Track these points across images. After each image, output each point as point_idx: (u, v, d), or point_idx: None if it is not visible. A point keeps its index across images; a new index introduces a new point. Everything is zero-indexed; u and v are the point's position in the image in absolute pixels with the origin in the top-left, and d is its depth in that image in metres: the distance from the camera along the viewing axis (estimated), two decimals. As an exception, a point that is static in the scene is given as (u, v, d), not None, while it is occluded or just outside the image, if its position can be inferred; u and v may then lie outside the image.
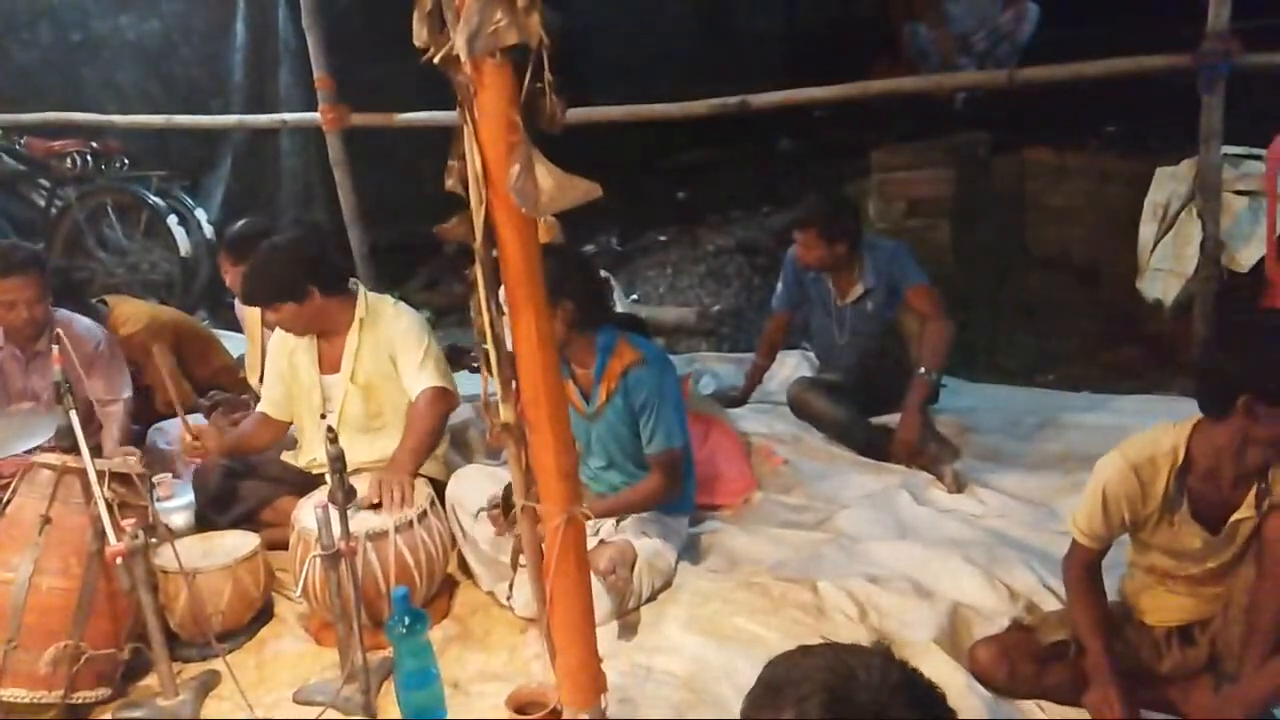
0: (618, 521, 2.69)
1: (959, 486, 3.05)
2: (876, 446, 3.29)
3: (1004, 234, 4.72)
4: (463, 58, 1.47)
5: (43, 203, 5.15)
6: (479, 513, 2.62)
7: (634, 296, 5.15)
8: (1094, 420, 3.35)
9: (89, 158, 5.03)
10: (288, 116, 4.84)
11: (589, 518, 1.84)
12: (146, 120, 5.08)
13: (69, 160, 5.04)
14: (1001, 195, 4.73)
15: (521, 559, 2.00)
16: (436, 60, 1.52)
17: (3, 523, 2.35)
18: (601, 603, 2.32)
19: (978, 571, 2.51)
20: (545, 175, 1.51)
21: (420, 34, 1.51)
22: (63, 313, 3.28)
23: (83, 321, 3.31)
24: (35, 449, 2.52)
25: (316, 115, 4.50)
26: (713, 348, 4.60)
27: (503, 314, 1.76)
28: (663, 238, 5.73)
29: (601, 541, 2.59)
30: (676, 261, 5.44)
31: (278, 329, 3.01)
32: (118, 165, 5.08)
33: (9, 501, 2.38)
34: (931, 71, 5.28)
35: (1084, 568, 2.09)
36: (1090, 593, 2.09)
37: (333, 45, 4.41)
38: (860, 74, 4.41)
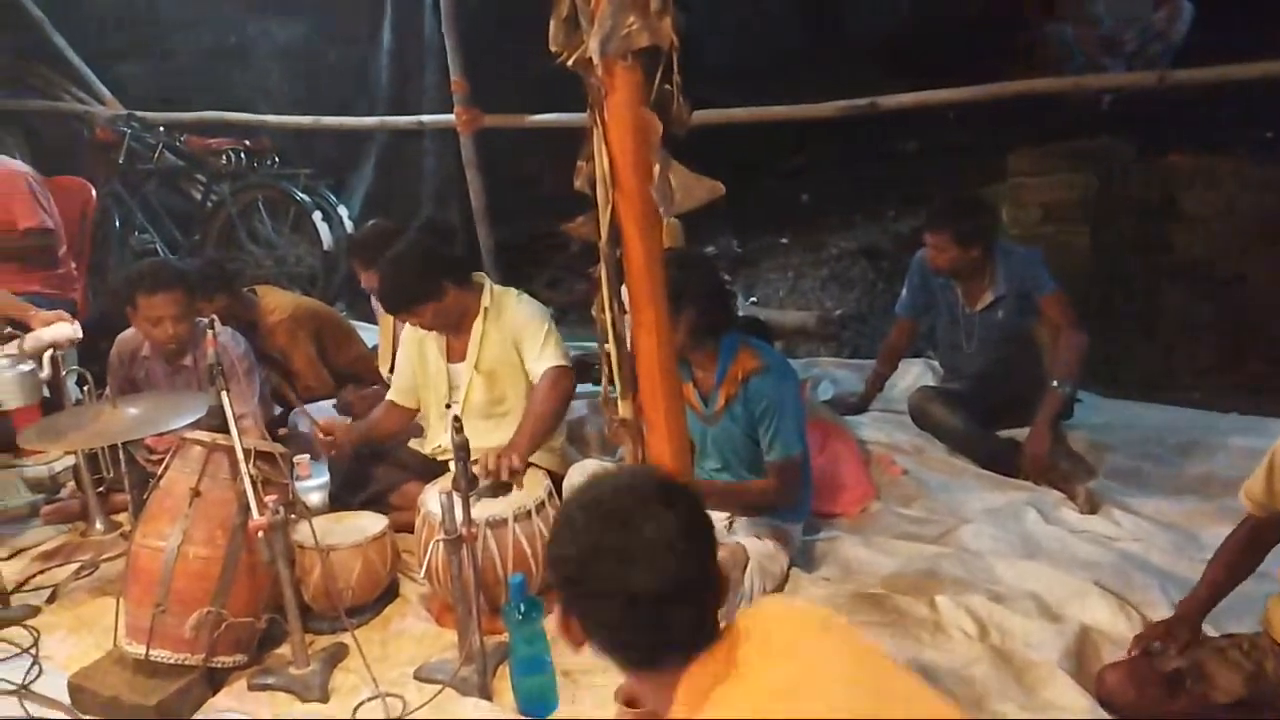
0: (730, 523, 2.69)
1: (1092, 507, 2.92)
2: (1003, 460, 3.18)
3: (1145, 242, 4.48)
4: (595, 60, 1.50)
5: (199, 197, 5.50)
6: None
7: (754, 299, 5.13)
8: (1241, 443, 3.14)
9: (243, 155, 5.34)
10: (425, 118, 5.03)
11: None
12: (296, 121, 5.38)
13: (224, 157, 5.36)
14: (1144, 201, 4.49)
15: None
16: (570, 63, 1.56)
17: (157, 494, 2.53)
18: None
19: (1109, 596, 2.40)
20: (673, 175, 1.53)
21: (556, 38, 1.55)
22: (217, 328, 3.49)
23: (225, 330, 3.51)
24: (188, 426, 2.69)
25: (452, 117, 4.67)
26: (832, 353, 4.54)
27: (625, 312, 1.79)
28: (784, 240, 5.68)
29: (714, 542, 2.59)
30: (798, 264, 5.38)
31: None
32: (269, 163, 5.38)
33: (162, 475, 2.57)
34: (1075, 72, 5.05)
35: (1243, 530, 1.99)
36: (1232, 549, 2.00)
37: (470, 48, 4.56)
38: (992, 75, 4.26)
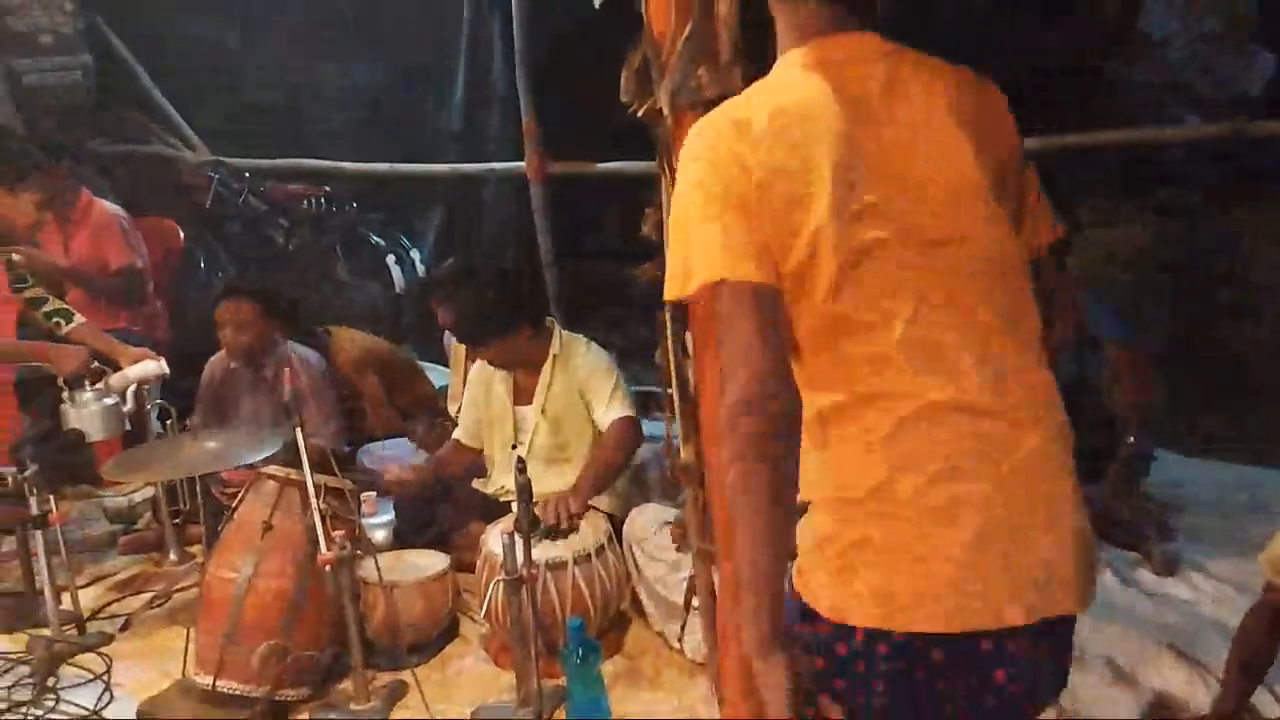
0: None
1: (1169, 569, 2.81)
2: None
3: (1215, 294, 4.36)
4: (665, 110, 1.54)
5: (281, 240, 5.71)
6: (661, 526, 2.66)
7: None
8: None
9: (322, 200, 5.54)
10: (496, 165, 5.16)
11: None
12: (372, 168, 5.56)
13: (305, 203, 5.57)
14: (1213, 253, 4.38)
15: (694, 601, 2.02)
16: (640, 113, 1.61)
17: (231, 526, 2.61)
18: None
19: (1184, 661, 2.31)
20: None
21: (627, 88, 1.60)
22: (292, 347, 3.62)
23: (303, 352, 3.65)
24: (262, 461, 2.77)
25: (521, 164, 4.79)
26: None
27: (687, 357, 1.81)
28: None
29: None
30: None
31: (479, 361, 3.20)
32: (346, 208, 5.57)
33: (237, 507, 2.65)
34: (1148, 122, 4.97)
35: (1264, 613, 1.86)
36: (1248, 643, 1.88)
37: (540, 96, 4.69)
38: (1063, 124, 4.22)
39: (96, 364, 3.17)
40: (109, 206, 4.26)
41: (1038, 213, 1.33)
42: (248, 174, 5.67)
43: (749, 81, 1.53)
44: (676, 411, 1.85)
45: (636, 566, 2.75)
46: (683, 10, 1.51)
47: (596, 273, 5.24)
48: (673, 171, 1.61)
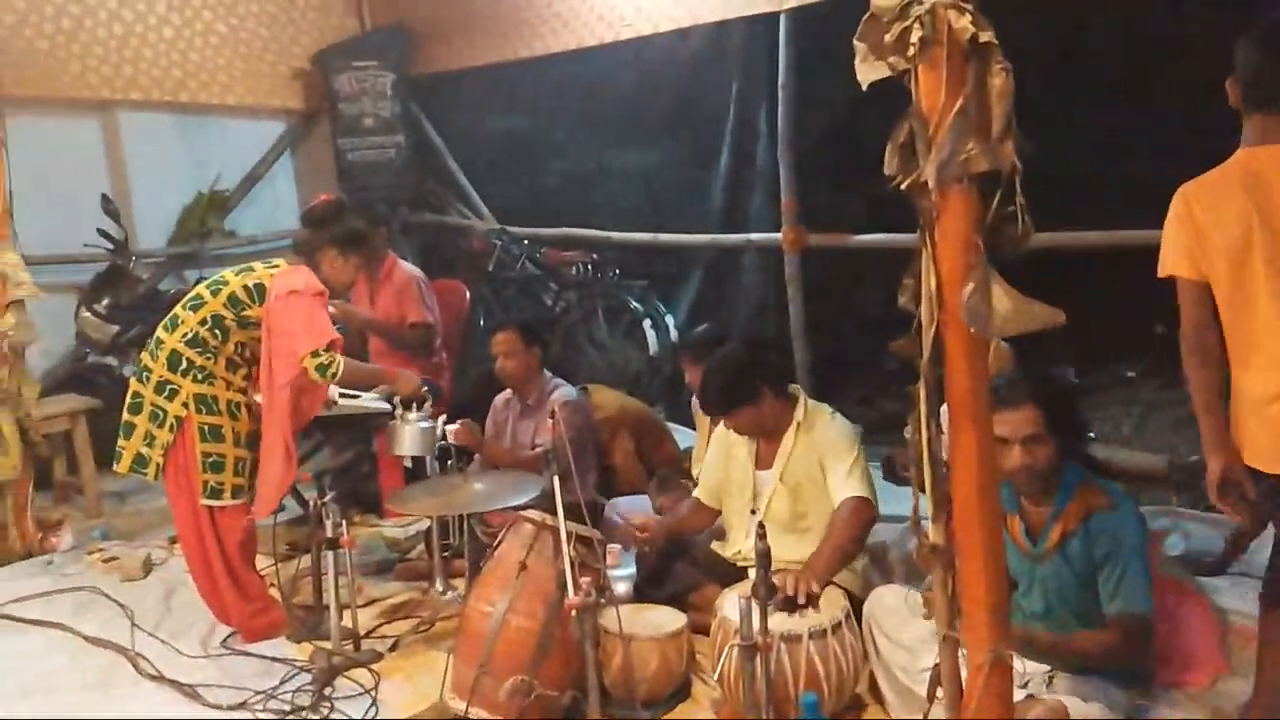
0: (1051, 678, 2.45)
1: None
2: None
3: None
4: (930, 184, 1.53)
5: (550, 302, 6.14)
6: (911, 592, 2.55)
7: (1092, 435, 4.70)
8: None
9: (590, 267, 5.91)
10: (754, 236, 5.29)
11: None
12: (636, 237, 5.88)
13: (575, 268, 5.97)
14: None
15: (939, 693, 1.92)
16: (903, 187, 1.60)
17: (491, 563, 2.81)
18: (1023, 762, 2.12)
19: None
20: (1003, 297, 1.50)
21: (891, 163, 1.60)
22: (559, 385, 3.98)
23: (569, 395, 3.94)
24: (521, 506, 2.96)
25: (778, 235, 4.88)
26: (1185, 503, 4.02)
27: (941, 433, 1.75)
28: (1131, 374, 5.18)
29: (1030, 696, 2.37)
30: (1147, 401, 4.88)
31: (724, 422, 3.26)
32: (611, 274, 5.91)
33: (497, 545, 2.85)
34: None
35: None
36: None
37: (800, 172, 4.79)
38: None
39: (425, 388, 3.60)
40: (409, 268, 4.80)
41: None
42: (526, 240, 6.18)
43: (1022, 153, 1.50)
44: (927, 489, 1.79)
45: (876, 649, 2.65)
46: (954, 84, 1.50)
47: (847, 344, 5.18)
48: (934, 244, 1.60)
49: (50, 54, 5.34)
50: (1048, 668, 2.44)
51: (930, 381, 1.71)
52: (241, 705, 2.97)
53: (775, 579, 2.49)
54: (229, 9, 6.15)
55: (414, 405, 3.54)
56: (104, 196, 5.37)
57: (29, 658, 3.40)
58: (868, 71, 1.60)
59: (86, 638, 3.50)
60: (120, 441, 3.39)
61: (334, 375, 3.25)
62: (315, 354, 3.21)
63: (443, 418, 3.61)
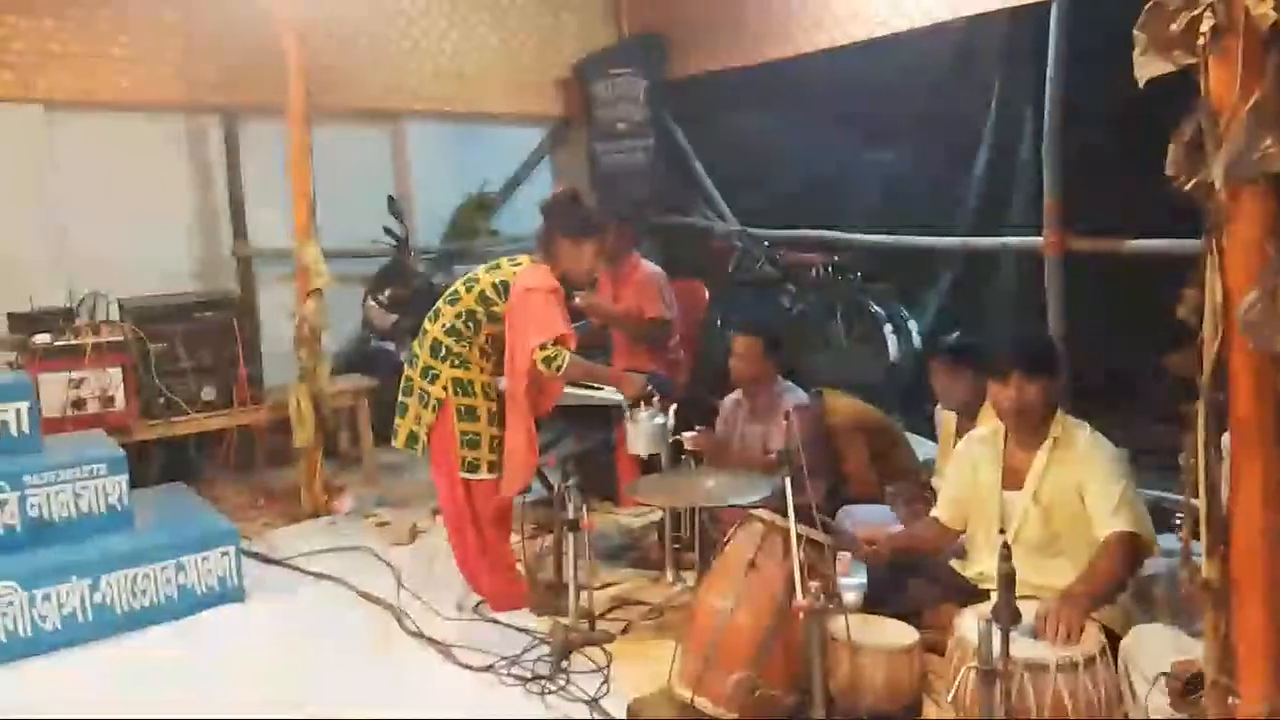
0: None
1: None
2: None
3: None
4: (1218, 185, 1.40)
5: (788, 304, 6.12)
6: (1158, 678, 2.34)
7: None
8: None
9: (829, 269, 5.83)
10: (1010, 240, 4.99)
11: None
12: (879, 240, 5.72)
13: (814, 271, 5.91)
14: None
15: (1203, 743, 1.75)
16: (1188, 188, 1.48)
17: (721, 558, 2.86)
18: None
19: None
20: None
21: (1175, 162, 1.49)
22: (789, 388, 4.00)
23: (802, 399, 3.96)
24: (753, 504, 2.99)
25: (1038, 239, 4.58)
26: None
27: (1221, 460, 1.59)
28: None
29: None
30: None
31: (966, 437, 3.12)
32: (851, 277, 5.79)
33: (727, 541, 2.90)
34: None
35: None
36: None
37: (1066, 173, 4.47)
38: None
39: (650, 388, 3.71)
40: (651, 266, 4.97)
41: None
42: (767, 242, 6.20)
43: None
44: (1202, 521, 1.63)
45: (1133, 692, 2.44)
46: (1250, 76, 1.36)
47: (1109, 356, 4.77)
48: (1221, 251, 1.46)
49: (348, 70, 5.99)
50: None
51: (1211, 403, 1.56)
52: (489, 669, 3.21)
53: (1023, 605, 2.35)
54: (501, 22, 6.64)
55: (642, 403, 3.64)
56: (390, 198, 5.96)
57: (309, 605, 3.85)
58: (1147, 66, 1.49)
59: (359, 593, 3.92)
60: (396, 420, 3.76)
61: (559, 368, 3.42)
62: (543, 346, 3.40)
63: (674, 407, 3.70)
